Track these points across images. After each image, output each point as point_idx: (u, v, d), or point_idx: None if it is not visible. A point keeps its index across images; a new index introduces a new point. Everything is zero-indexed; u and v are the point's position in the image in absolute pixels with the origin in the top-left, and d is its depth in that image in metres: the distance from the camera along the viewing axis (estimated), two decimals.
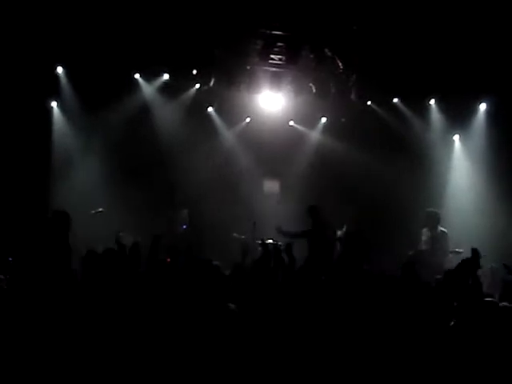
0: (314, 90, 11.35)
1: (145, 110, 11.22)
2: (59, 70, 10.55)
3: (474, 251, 5.33)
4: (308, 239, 8.83)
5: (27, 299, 4.82)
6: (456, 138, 12.06)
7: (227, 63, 10.87)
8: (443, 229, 8.88)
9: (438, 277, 5.81)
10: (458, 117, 11.67)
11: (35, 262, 6.02)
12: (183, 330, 4.58)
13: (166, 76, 11.14)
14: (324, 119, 12.40)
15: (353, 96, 11.40)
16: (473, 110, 11.65)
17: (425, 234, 8.89)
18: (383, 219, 11.23)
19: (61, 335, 4.46)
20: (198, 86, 11.43)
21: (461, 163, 11.91)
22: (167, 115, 11.40)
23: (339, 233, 9.32)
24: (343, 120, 12.14)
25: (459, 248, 8.60)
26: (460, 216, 10.49)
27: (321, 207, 9.21)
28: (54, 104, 10.94)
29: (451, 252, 8.71)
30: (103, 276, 5.13)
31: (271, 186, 12.47)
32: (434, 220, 8.82)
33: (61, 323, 4.56)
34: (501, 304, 4.78)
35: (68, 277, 5.41)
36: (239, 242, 10.83)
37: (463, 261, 5.31)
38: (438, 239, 8.73)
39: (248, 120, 12.32)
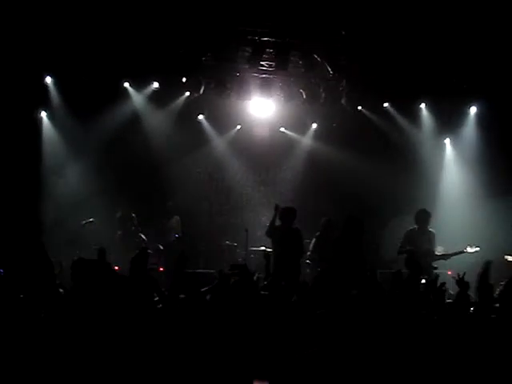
0: (305, 96, 11.33)
1: (135, 118, 11.17)
2: (48, 79, 10.53)
3: (488, 264, 5.44)
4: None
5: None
6: (447, 141, 12.09)
7: (217, 70, 10.86)
8: (432, 229, 8.84)
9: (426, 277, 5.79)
10: (449, 120, 11.72)
11: (24, 274, 5.95)
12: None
13: (155, 84, 11.07)
14: (315, 125, 12.39)
15: (343, 101, 11.39)
16: (463, 114, 11.68)
17: (411, 234, 8.76)
18: (375, 223, 11.19)
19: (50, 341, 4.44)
20: (187, 93, 11.38)
21: (452, 166, 11.93)
22: (157, 123, 11.37)
23: None
24: (334, 125, 12.15)
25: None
26: (451, 217, 10.49)
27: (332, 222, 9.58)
28: (43, 114, 10.91)
29: (438, 256, 8.67)
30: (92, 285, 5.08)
31: None
32: (427, 220, 8.73)
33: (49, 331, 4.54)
34: None
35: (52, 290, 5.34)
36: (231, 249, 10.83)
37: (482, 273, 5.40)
38: (430, 239, 8.67)
39: (239, 127, 12.29)
